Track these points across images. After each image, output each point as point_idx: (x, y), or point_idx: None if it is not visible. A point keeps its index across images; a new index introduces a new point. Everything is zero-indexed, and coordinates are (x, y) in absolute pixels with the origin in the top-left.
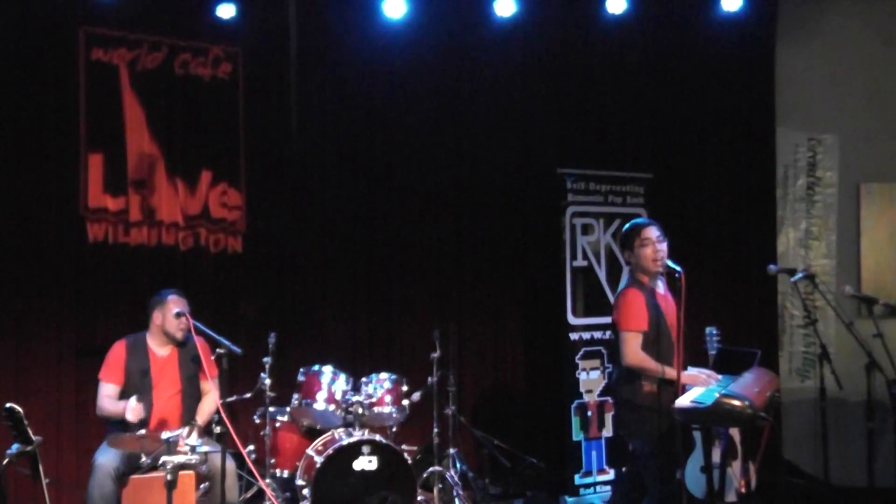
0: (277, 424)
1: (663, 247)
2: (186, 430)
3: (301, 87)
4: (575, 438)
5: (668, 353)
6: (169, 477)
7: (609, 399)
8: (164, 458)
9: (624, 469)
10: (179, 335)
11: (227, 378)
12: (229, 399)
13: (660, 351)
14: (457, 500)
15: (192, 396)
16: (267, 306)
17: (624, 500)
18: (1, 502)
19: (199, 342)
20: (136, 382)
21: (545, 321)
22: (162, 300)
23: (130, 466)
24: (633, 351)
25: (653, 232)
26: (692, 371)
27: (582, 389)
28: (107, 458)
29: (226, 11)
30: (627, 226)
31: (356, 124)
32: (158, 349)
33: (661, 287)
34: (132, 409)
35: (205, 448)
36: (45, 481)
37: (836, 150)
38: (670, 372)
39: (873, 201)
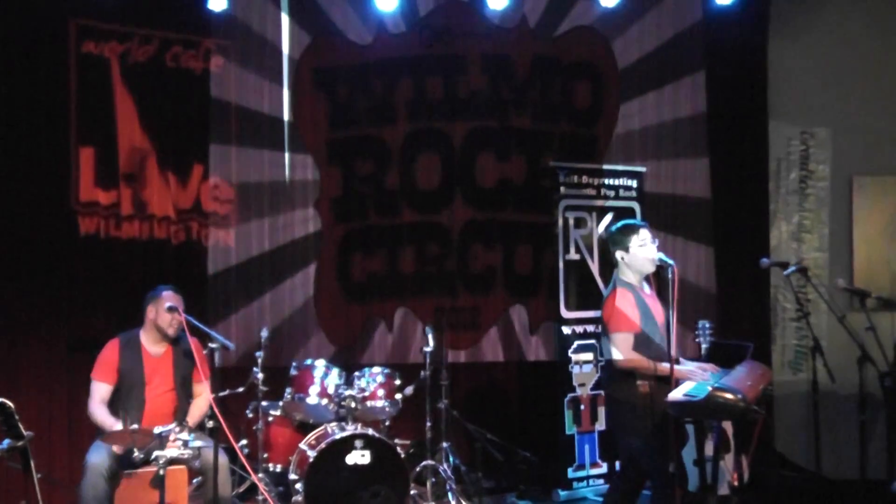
0: (270, 419)
1: (655, 247)
2: (177, 426)
3: (293, 80)
4: (568, 432)
5: (658, 352)
6: (161, 472)
7: (602, 393)
8: (156, 453)
9: (618, 467)
10: (171, 331)
11: (218, 373)
12: (222, 394)
13: (651, 350)
14: (450, 494)
15: (184, 396)
16: (259, 300)
17: (623, 496)
18: None
19: (193, 343)
20: (129, 381)
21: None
22: (156, 295)
23: (123, 464)
24: (626, 351)
25: (648, 233)
26: (687, 366)
27: (575, 383)
28: (99, 458)
29: (217, 4)
30: (621, 226)
31: (349, 116)
32: (152, 347)
33: (647, 288)
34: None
35: (197, 443)
36: (36, 476)
37: (829, 144)
38: (663, 368)
39: (866, 194)
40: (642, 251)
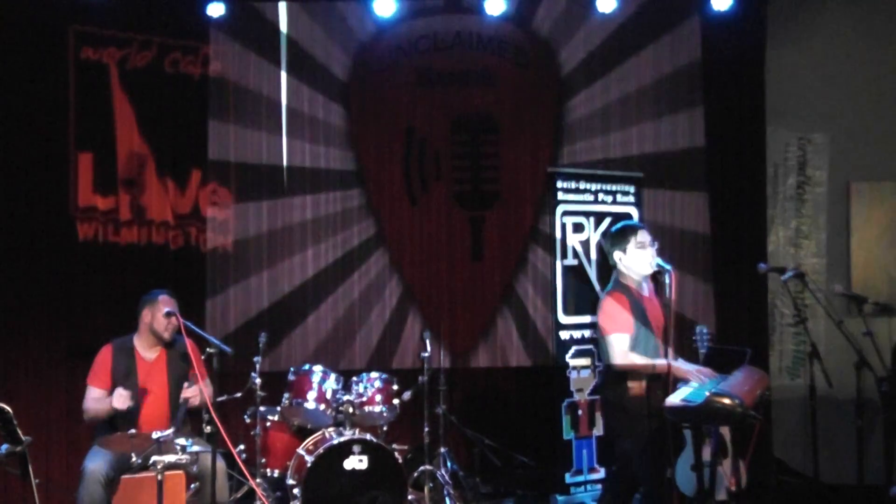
0: (268, 424)
1: (654, 250)
2: (175, 431)
3: (291, 85)
4: (565, 437)
5: (654, 354)
6: (159, 477)
7: (599, 398)
8: (154, 458)
9: (613, 469)
10: (167, 335)
11: (217, 378)
12: (220, 399)
13: (647, 352)
14: (447, 499)
15: (179, 399)
16: (257, 304)
17: (615, 499)
18: None
19: (189, 345)
20: (123, 386)
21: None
22: (152, 299)
23: (120, 469)
24: (621, 353)
25: (646, 235)
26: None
27: (572, 388)
28: (96, 464)
29: (216, 10)
30: (620, 227)
31: (346, 122)
32: (146, 352)
33: (645, 289)
34: (119, 396)
35: (195, 448)
36: (34, 481)
37: (826, 149)
38: (661, 366)
39: (863, 200)
40: (640, 253)
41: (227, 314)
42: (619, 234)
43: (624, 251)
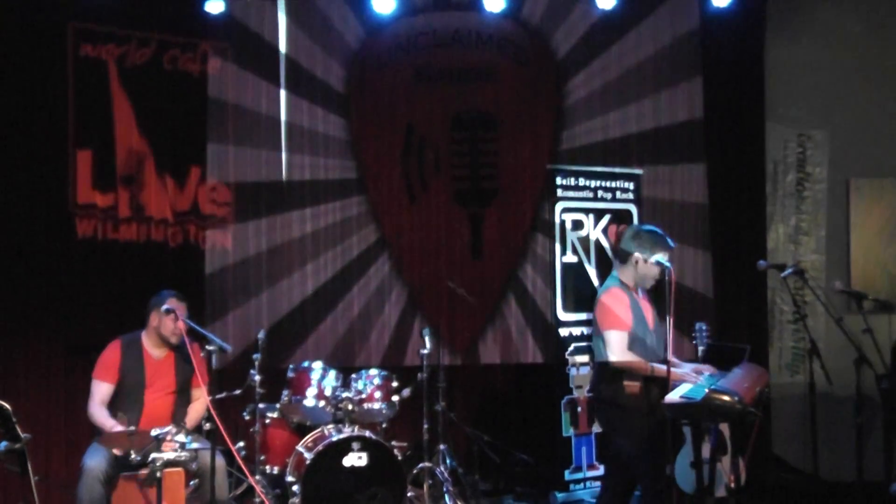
0: (267, 421)
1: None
2: (174, 428)
3: (290, 83)
4: (565, 434)
5: (650, 354)
6: (157, 474)
7: (594, 395)
8: (153, 456)
9: (610, 466)
10: (174, 339)
11: (216, 375)
12: (219, 396)
13: (643, 353)
14: (447, 496)
15: (182, 400)
16: (256, 302)
17: (614, 497)
18: None
19: (193, 348)
20: (130, 383)
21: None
22: (160, 302)
23: (119, 467)
24: (620, 350)
25: (667, 259)
26: (683, 367)
27: (572, 385)
28: (95, 461)
29: (215, 7)
30: (655, 233)
31: (345, 120)
32: (153, 350)
33: (640, 290)
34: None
35: (194, 445)
36: (33, 479)
37: (826, 146)
38: (659, 369)
39: (863, 197)
40: (654, 269)
41: (225, 311)
42: (650, 239)
43: (645, 258)
